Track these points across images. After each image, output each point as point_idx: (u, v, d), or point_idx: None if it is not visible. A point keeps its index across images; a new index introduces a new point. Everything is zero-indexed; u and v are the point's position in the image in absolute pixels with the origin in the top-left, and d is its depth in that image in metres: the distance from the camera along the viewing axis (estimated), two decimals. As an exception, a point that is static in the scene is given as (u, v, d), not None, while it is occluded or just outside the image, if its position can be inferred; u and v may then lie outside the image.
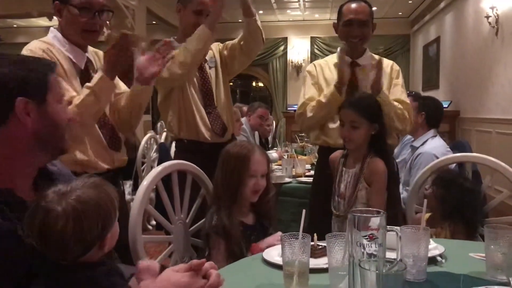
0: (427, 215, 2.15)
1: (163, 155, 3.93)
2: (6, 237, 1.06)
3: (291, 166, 3.45)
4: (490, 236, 1.31)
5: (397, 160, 3.31)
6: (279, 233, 1.77)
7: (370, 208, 1.23)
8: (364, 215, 1.12)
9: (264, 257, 1.46)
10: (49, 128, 1.22)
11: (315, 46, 11.71)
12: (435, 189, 2.12)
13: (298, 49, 11.77)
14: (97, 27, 1.96)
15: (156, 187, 1.84)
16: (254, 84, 13.80)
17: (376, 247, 1.09)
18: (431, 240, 1.43)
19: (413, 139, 3.35)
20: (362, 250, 1.09)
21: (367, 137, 2.05)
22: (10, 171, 1.17)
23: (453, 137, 7.36)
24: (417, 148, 3.14)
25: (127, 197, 3.83)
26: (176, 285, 1.09)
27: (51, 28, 2.02)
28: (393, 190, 2.10)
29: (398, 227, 1.29)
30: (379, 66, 2.29)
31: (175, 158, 2.73)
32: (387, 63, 2.55)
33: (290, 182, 3.24)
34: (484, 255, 1.35)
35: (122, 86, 2.14)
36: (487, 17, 6.21)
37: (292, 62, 11.82)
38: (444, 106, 7.09)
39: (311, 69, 2.61)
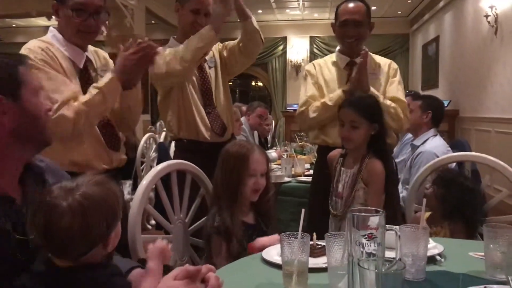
0: (427, 214, 2.16)
1: (162, 155, 3.92)
2: None
3: (290, 166, 3.45)
4: (489, 235, 1.31)
5: (397, 160, 3.32)
6: (276, 235, 1.77)
7: (369, 208, 1.23)
8: (363, 214, 1.12)
9: (263, 257, 1.46)
10: (28, 123, 1.20)
11: (314, 46, 11.71)
12: (435, 189, 2.12)
13: (297, 49, 11.77)
14: (92, 28, 1.95)
15: (155, 187, 1.84)
16: (253, 83, 13.80)
17: (375, 246, 1.09)
18: (430, 239, 1.43)
19: (413, 138, 3.35)
20: (361, 249, 1.09)
21: (367, 137, 2.04)
22: None
23: (452, 136, 7.37)
24: (418, 147, 3.15)
25: (127, 196, 3.83)
26: None
27: (51, 28, 2.02)
28: (391, 191, 2.10)
29: (397, 226, 1.29)
30: (364, 57, 2.28)
31: (174, 158, 2.73)
32: (384, 62, 2.55)
33: (289, 182, 3.24)
34: (483, 254, 1.35)
35: None
36: (486, 16, 6.21)
37: (291, 62, 11.82)
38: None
39: (310, 68, 2.61)
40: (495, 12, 6.08)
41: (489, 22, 6.21)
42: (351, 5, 2.45)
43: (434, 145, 3.07)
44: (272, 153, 4.15)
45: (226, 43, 2.77)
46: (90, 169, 1.90)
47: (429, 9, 9.56)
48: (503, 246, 1.28)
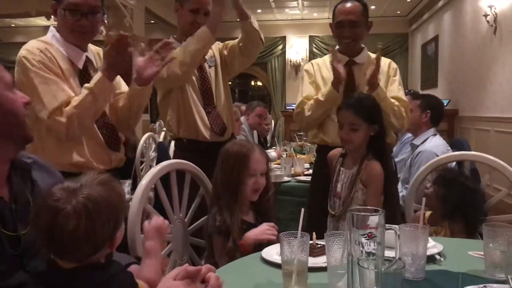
0: (428, 213, 2.16)
1: (162, 154, 3.93)
2: None
3: (290, 165, 3.45)
4: (488, 235, 1.31)
5: (396, 159, 3.33)
6: (264, 225, 1.78)
7: (368, 207, 1.23)
8: (363, 213, 1.12)
9: (263, 256, 1.46)
10: (6, 120, 1.19)
11: (314, 45, 11.71)
12: (436, 188, 2.11)
13: (296, 48, 11.77)
14: (87, 28, 1.93)
15: (154, 186, 1.84)
16: (252, 83, 13.80)
17: (375, 245, 1.09)
18: (429, 238, 1.43)
19: (412, 137, 3.35)
20: (361, 248, 1.09)
21: (366, 138, 2.03)
22: None
23: (451, 136, 7.37)
24: (417, 146, 3.15)
25: (126, 196, 3.82)
26: None
27: (51, 27, 2.01)
28: (390, 191, 2.10)
29: (396, 226, 1.29)
30: (377, 62, 2.30)
31: (174, 157, 2.73)
32: (384, 61, 2.55)
33: (289, 181, 3.24)
34: (482, 253, 1.35)
35: (123, 86, 2.13)
36: (485, 15, 6.21)
37: (290, 61, 11.82)
38: (443, 104, 7.11)
39: (309, 67, 2.61)
40: (494, 11, 6.08)
41: (488, 22, 6.21)
42: (346, 5, 2.45)
43: (434, 145, 3.07)
44: (272, 153, 4.15)
45: (227, 42, 2.77)
46: (89, 169, 1.89)
47: (428, 8, 9.56)
48: (502, 245, 1.28)
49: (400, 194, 2.81)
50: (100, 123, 2.00)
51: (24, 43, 1.95)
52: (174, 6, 2.65)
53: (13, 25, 11.47)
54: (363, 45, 2.55)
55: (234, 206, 1.82)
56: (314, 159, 2.96)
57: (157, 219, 1.21)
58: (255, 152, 1.89)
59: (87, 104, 1.85)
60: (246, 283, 1.30)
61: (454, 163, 2.56)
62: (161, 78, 2.46)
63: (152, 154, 5.11)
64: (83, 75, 1.99)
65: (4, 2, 7.25)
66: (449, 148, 3.07)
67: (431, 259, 1.40)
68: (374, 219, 1.10)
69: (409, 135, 3.49)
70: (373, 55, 2.53)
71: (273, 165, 3.60)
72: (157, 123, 8.14)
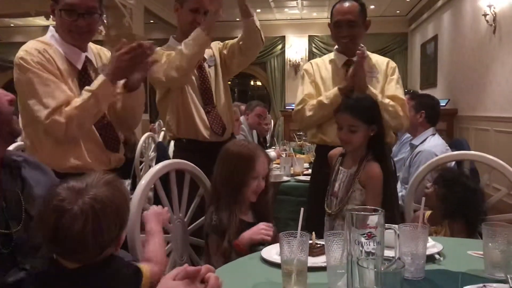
0: (428, 213, 2.16)
1: (161, 154, 3.93)
2: None
3: (289, 165, 3.45)
4: (488, 234, 1.31)
5: (395, 159, 3.33)
6: (260, 224, 1.78)
7: (367, 206, 1.23)
8: (362, 213, 1.12)
9: (263, 256, 1.46)
10: None
11: (313, 45, 11.71)
12: (437, 188, 2.11)
13: (296, 48, 11.77)
14: (83, 29, 1.91)
15: (154, 186, 1.84)
16: (252, 82, 13.79)
17: (374, 245, 1.09)
18: (429, 238, 1.43)
19: (411, 137, 3.35)
20: (361, 248, 1.09)
21: (366, 138, 2.03)
22: None
23: (450, 135, 7.37)
24: (416, 146, 3.15)
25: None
26: None
27: (50, 27, 2.00)
28: (390, 191, 2.10)
29: (396, 225, 1.29)
30: (358, 64, 2.29)
31: (174, 157, 2.73)
32: (382, 60, 2.55)
33: (288, 181, 3.24)
34: (482, 253, 1.35)
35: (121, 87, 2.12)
36: (485, 15, 6.21)
37: (290, 61, 11.82)
38: (442, 104, 7.10)
39: (308, 67, 2.61)
40: (493, 11, 6.08)
41: (487, 21, 6.21)
42: (344, 5, 2.45)
43: (433, 144, 3.07)
44: (271, 153, 4.15)
45: (226, 42, 2.76)
46: (88, 171, 1.89)
47: (427, 8, 9.56)
48: (502, 244, 1.28)
49: (400, 194, 2.81)
50: (99, 124, 1.99)
51: (23, 43, 1.95)
52: (173, 6, 2.65)
53: (12, 25, 11.46)
54: (362, 45, 2.55)
55: (234, 207, 1.82)
56: (313, 158, 2.96)
57: (155, 207, 1.21)
58: (260, 155, 1.89)
59: (88, 107, 1.84)
60: (245, 282, 1.30)
61: (453, 163, 2.56)
62: (159, 81, 2.47)
63: (152, 154, 5.11)
64: (82, 76, 1.98)
65: (3, 2, 7.24)
66: (448, 147, 3.07)
67: (430, 258, 1.40)
68: (373, 219, 1.10)
69: (408, 134, 3.49)
70: (372, 55, 2.53)
71: (272, 165, 3.60)
72: (157, 123, 8.13)
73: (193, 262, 1.96)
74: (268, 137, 5.69)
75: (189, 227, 1.99)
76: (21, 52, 1.86)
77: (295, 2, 10.20)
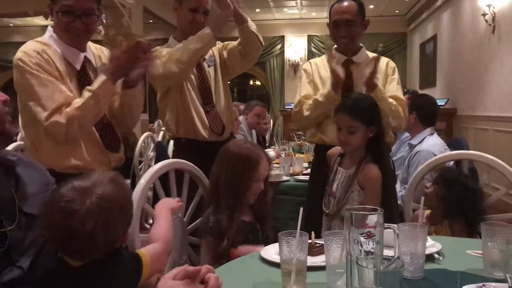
0: (427, 212, 2.16)
1: (160, 154, 3.93)
2: None
3: (288, 165, 3.45)
4: (487, 233, 1.31)
5: (394, 158, 3.32)
6: (260, 247, 1.77)
7: (367, 206, 1.23)
8: (362, 212, 1.12)
9: (262, 255, 1.46)
10: None
11: (312, 45, 11.72)
12: (436, 188, 2.11)
13: (295, 48, 11.77)
14: (80, 30, 1.90)
15: (153, 186, 1.84)
16: (251, 82, 13.78)
17: (373, 244, 1.09)
18: (428, 237, 1.43)
19: (410, 137, 3.35)
20: (360, 247, 1.09)
21: (365, 139, 2.02)
22: None
23: (450, 135, 7.37)
24: (415, 146, 3.14)
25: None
26: None
27: (49, 27, 1.99)
28: (389, 191, 2.09)
29: (395, 225, 1.29)
30: (376, 62, 2.29)
31: (173, 157, 2.73)
32: (382, 60, 2.55)
33: (287, 180, 3.24)
34: (481, 252, 1.35)
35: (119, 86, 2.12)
36: (484, 15, 6.22)
37: (289, 61, 11.82)
38: (441, 104, 7.12)
39: (307, 67, 2.61)
40: (492, 10, 6.08)
41: (486, 21, 6.22)
42: (342, 4, 2.46)
43: (432, 144, 3.07)
44: (270, 152, 4.15)
45: (226, 43, 2.76)
46: (88, 171, 1.88)
47: (426, 7, 9.56)
48: (501, 244, 1.28)
49: (399, 194, 2.81)
50: (98, 124, 1.98)
51: (22, 42, 1.94)
52: (172, 6, 2.65)
53: (11, 25, 11.45)
54: (361, 45, 2.55)
55: (234, 208, 1.82)
56: (313, 158, 2.96)
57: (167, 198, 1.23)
58: (264, 158, 1.90)
59: (89, 107, 1.84)
60: (245, 282, 1.30)
61: (452, 162, 2.56)
62: (156, 75, 2.45)
63: (151, 153, 5.11)
64: (81, 76, 1.97)
65: (2, 2, 7.23)
66: (446, 147, 3.07)
67: (430, 258, 1.40)
68: (372, 218, 1.10)
69: (407, 134, 3.49)
70: (372, 55, 2.53)
71: (272, 165, 3.60)
72: (156, 123, 8.13)
73: (192, 262, 1.96)
74: (267, 136, 5.69)
75: (189, 227, 1.99)
76: (19, 54, 1.85)
77: (294, 2, 10.20)
